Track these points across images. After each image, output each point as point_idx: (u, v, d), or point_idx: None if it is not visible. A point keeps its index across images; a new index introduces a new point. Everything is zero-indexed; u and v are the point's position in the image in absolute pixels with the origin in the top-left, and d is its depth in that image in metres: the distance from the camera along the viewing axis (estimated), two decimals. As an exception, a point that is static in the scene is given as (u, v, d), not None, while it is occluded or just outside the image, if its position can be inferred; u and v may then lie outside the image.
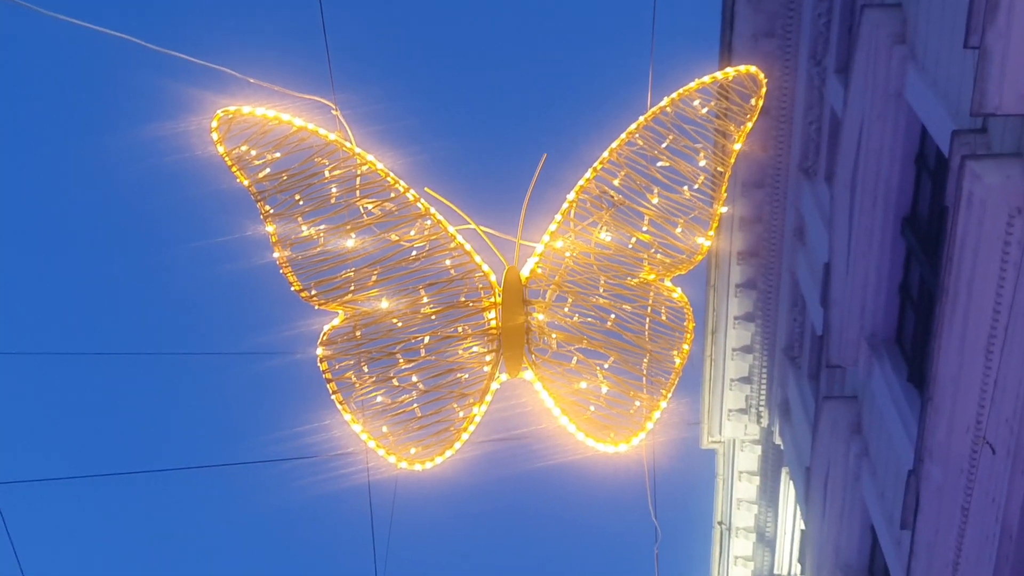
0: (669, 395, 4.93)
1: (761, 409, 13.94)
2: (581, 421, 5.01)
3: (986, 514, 8.45)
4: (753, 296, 13.62)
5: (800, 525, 12.94)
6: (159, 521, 32.11)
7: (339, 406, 5.05)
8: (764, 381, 13.85)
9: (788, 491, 13.42)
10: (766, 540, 14.25)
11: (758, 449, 14.24)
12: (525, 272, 5.05)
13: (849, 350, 11.13)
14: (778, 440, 13.55)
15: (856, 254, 10.83)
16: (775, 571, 13.99)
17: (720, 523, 14.42)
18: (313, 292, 5.01)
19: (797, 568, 13.18)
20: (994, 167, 7.80)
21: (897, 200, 10.39)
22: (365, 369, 5.01)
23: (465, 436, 5.04)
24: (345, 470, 5.62)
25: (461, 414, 5.01)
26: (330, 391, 5.04)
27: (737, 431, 14.13)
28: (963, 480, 8.57)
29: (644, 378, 4.90)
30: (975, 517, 8.53)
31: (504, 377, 5.11)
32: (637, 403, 4.92)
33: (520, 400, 5.10)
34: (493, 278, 5.07)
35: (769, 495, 14.03)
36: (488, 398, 5.05)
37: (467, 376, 5.03)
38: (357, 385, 5.02)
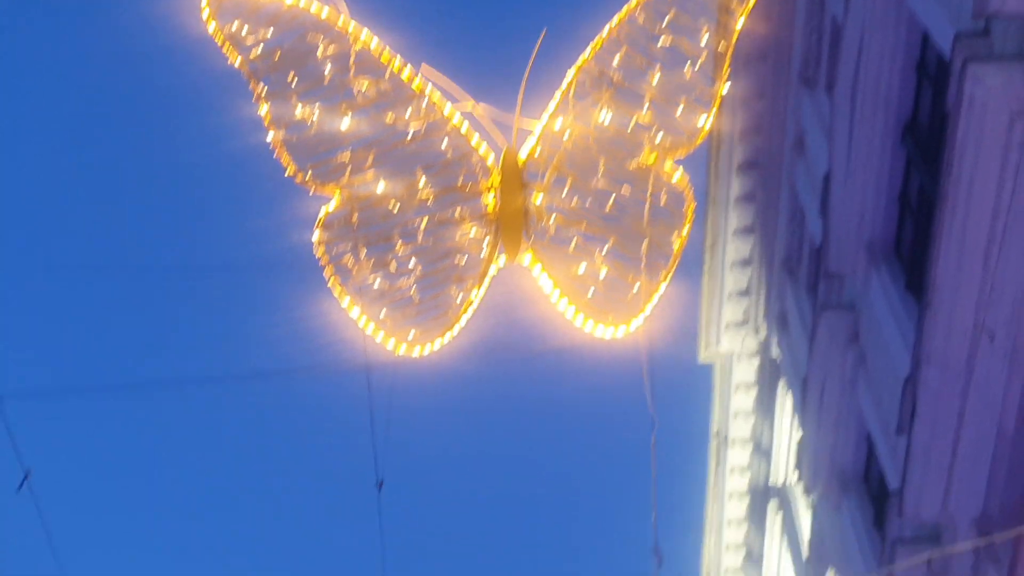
0: (668, 278, 4.90)
1: (759, 322, 13.97)
2: (580, 305, 4.98)
3: (982, 417, 8.50)
4: (752, 209, 13.58)
5: (797, 435, 13.02)
6: (158, 422, 32.15)
7: (336, 291, 5.02)
8: (762, 294, 13.86)
9: (785, 402, 13.50)
10: (762, 451, 14.36)
11: (755, 361, 14.29)
12: (523, 154, 4.99)
13: (848, 259, 11.13)
14: (775, 352, 13.60)
15: (856, 163, 10.78)
16: (771, 481, 14.11)
17: (717, 434, 14.52)
18: (308, 175, 4.95)
19: (793, 477, 13.29)
20: (996, 70, 7.73)
21: (898, 108, 10.31)
22: (362, 254, 4.96)
23: (463, 320, 5.02)
24: (342, 356, 5.59)
25: (459, 298, 4.98)
26: (326, 276, 5.00)
27: (735, 344, 14.17)
28: (960, 384, 8.61)
29: (643, 262, 4.86)
30: (971, 420, 8.59)
31: (502, 261, 5.07)
32: (636, 287, 4.88)
33: (519, 284, 5.07)
34: (491, 160, 5.01)
35: (766, 406, 14.11)
36: (486, 282, 5.02)
37: (465, 260, 4.99)
38: (354, 270, 4.97)
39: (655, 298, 4.87)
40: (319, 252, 4.97)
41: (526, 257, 4.99)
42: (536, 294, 4.97)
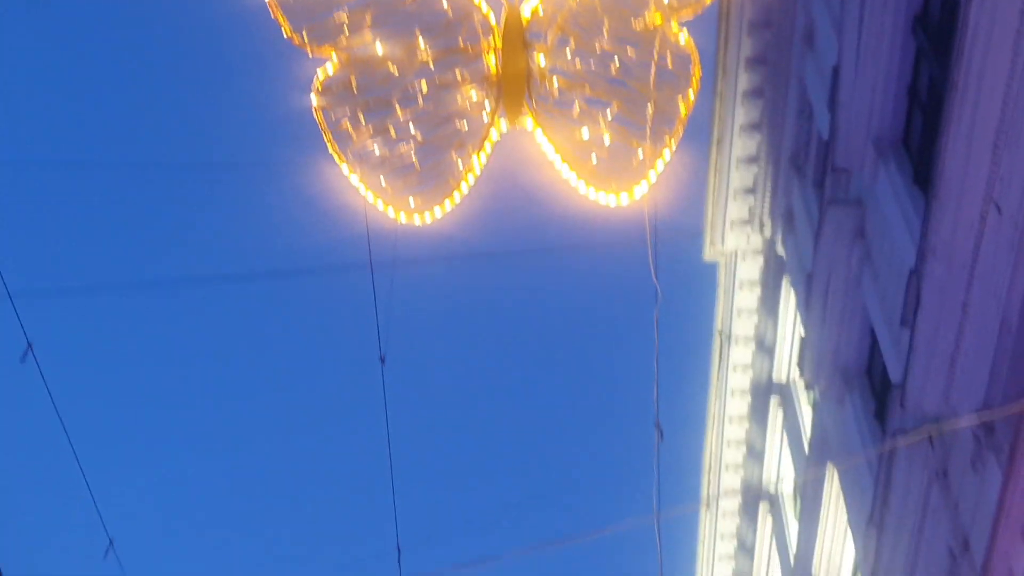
0: (674, 145, 4.79)
1: (764, 219, 13.89)
2: (583, 172, 4.88)
3: (987, 308, 8.46)
4: (759, 105, 13.41)
5: (800, 332, 13.03)
6: (165, 316, 32.09)
7: (336, 157, 4.92)
8: (768, 191, 13.75)
9: (789, 299, 13.48)
10: (765, 348, 14.39)
11: (760, 259, 14.24)
12: (526, 13, 4.85)
13: (855, 153, 11.01)
14: (780, 250, 13.54)
15: (865, 55, 10.60)
16: (774, 378, 14.16)
17: (720, 332, 14.53)
18: (304, 36, 4.82)
19: (796, 373, 13.33)
20: (1009, -45, 7.56)
21: (909, -2, 10.12)
22: (361, 119, 4.85)
23: (465, 187, 4.93)
24: (343, 224, 5.50)
25: (460, 165, 4.88)
26: (326, 141, 4.90)
27: (740, 242, 14.10)
28: (965, 276, 8.56)
29: (648, 127, 4.75)
30: (975, 312, 8.55)
31: (504, 126, 4.96)
32: (640, 153, 4.78)
33: (522, 150, 4.97)
34: (493, 19, 4.87)
35: (770, 304, 14.09)
36: (488, 147, 4.91)
37: (466, 125, 4.88)
38: (354, 136, 4.87)
39: (660, 165, 4.77)
40: (318, 117, 4.86)
41: (528, 121, 4.88)
42: (539, 160, 4.88)
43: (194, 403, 33.37)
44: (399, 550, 7.44)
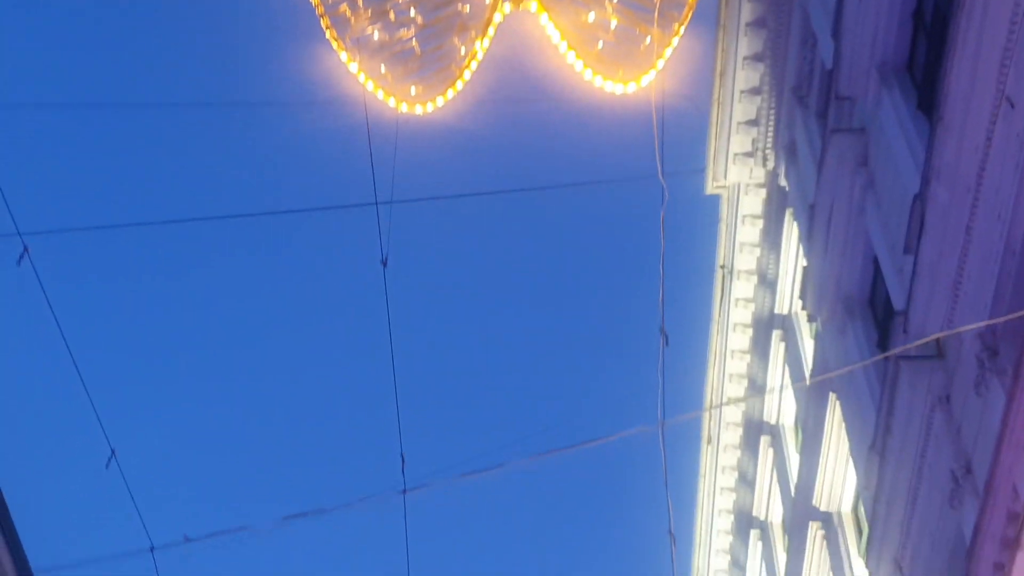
0: (682, 30, 4.67)
1: (767, 152, 13.77)
2: (589, 58, 4.75)
3: (991, 232, 8.37)
4: (763, 35, 13.25)
5: (802, 264, 12.96)
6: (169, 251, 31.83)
7: (333, 43, 4.79)
8: (771, 123, 13.63)
9: (791, 232, 13.39)
10: (768, 282, 14.32)
11: (762, 192, 14.14)
12: None
13: (859, 81, 10.89)
14: (783, 182, 13.43)
15: (871, -20, 10.47)
16: (776, 310, 14.10)
17: (722, 267, 14.46)
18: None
19: (798, 305, 13.27)
20: None
21: (915, -80, 9.97)
22: (359, 2, 4.73)
23: (467, 74, 4.80)
24: (342, 114, 5.35)
25: (462, 50, 4.76)
26: (323, 27, 4.77)
27: (742, 175, 14.00)
28: (969, 199, 8.47)
29: (656, 12, 4.63)
30: (979, 235, 8.47)
31: (508, 8, 4.82)
32: (648, 39, 4.66)
33: (526, 34, 4.84)
34: None
35: (772, 237, 14.01)
36: (491, 31, 4.77)
37: (468, 7, 4.75)
38: (352, 20, 4.74)
39: (668, 52, 4.65)
40: (315, 1, 4.73)
41: (532, 4, 4.75)
42: (544, 45, 4.75)
43: (197, 320, 33.19)
44: (403, 459, 7.42)
